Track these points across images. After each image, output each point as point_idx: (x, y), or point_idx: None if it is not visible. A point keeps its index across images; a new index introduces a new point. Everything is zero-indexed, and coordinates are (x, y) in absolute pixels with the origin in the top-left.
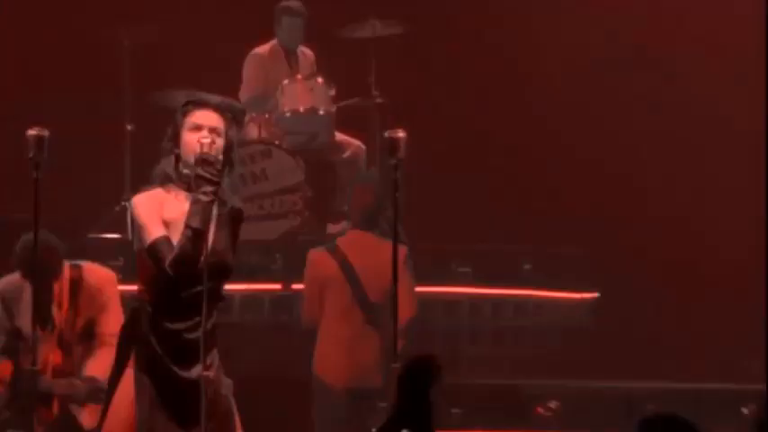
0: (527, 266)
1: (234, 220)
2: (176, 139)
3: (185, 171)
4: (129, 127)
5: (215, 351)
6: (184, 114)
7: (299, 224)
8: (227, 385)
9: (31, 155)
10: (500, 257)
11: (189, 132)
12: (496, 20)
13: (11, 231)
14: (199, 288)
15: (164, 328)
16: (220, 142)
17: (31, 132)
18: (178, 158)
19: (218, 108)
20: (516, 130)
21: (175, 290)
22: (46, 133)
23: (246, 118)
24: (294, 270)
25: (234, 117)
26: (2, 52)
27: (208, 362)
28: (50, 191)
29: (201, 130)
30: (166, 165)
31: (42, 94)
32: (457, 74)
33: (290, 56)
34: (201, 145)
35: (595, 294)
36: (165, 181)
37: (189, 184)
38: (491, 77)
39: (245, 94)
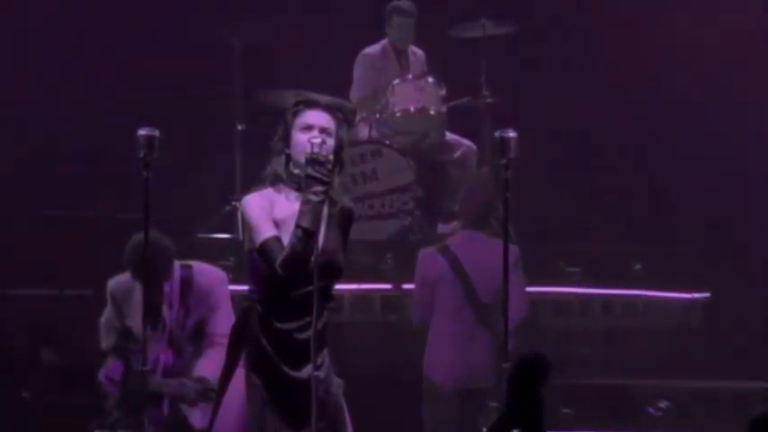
0: (637, 266)
1: (344, 219)
2: (287, 139)
3: (296, 171)
4: (239, 127)
5: (325, 351)
6: (295, 114)
7: (409, 224)
8: (337, 385)
9: (141, 155)
10: (610, 257)
11: (299, 132)
12: (605, 19)
13: (121, 231)
14: (309, 288)
15: (274, 328)
16: (331, 142)
17: (142, 132)
18: (289, 158)
19: (328, 108)
20: (626, 128)
21: (286, 290)
22: (156, 133)
23: (357, 118)
24: (404, 270)
25: (344, 117)
26: (113, 52)
27: (318, 362)
28: (161, 191)
29: (312, 130)
30: (277, 165)
31: (153, 93)
32: (566, 73)
33: (401, 56)
34: (312, 145)
35: (706, 294)
36: (275, 181)
37: (299, 184)
38: (600, 76)
39: (355, 93)
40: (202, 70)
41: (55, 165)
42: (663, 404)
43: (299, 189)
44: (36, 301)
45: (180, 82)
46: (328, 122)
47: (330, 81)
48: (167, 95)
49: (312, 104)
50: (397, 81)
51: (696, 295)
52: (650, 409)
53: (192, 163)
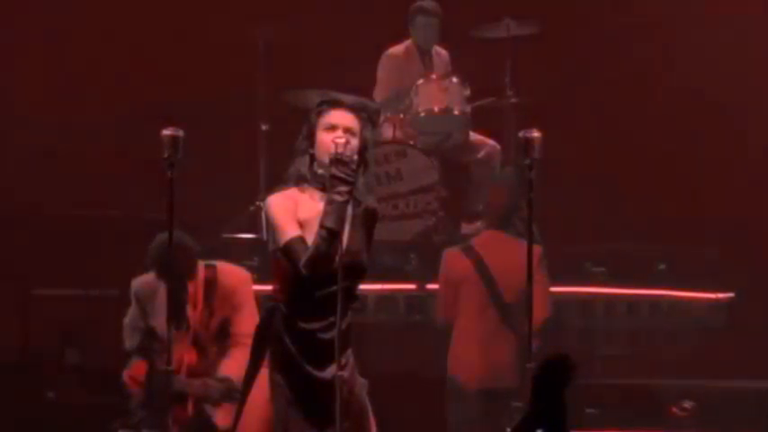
0: (662, 266)
1: (368, 219)
2: (311, 138)
3: (320, 171)
4: (263, 127)
5: (349, 351)
6: (319, 114)
7: (433, 224)
8: (361, 385)
9: (165, 155)
10: (634, 257)
11: (324, 132)
12: (630, 19)
13: (145, 231)
14: (333, 288)
15: (298, 327)
16: (355, 142)
17: (166, 132)
18: (313, 158)
19: (352, 108)
20: (649, 129)
21: (310, 290)
22: (180, 133)
23: (381, 118)
24: (428, 270)
25: (368, 117)
26: (138, 53)
27: (342, 362)
28: (185, 191)
29: (336, 130)
30: (301, 165)
31: (178, 93)
32: (591, 73)
33: (425, 56)
34: (336, 145)
35: (731, 294)
36: (299, 181)
37: (324, 184)
38: (624, 76)
39: (379, 94)
40: (227, 69)
41: (80, 164)
42: (687, 404)
43: (323, 189)
44: (62, 301)
45: (205, 81)
46: (352, 122)
47: (355, 81)
48: (192, 95)
49: (336, 104)
50: (421, 81)
51: (720, 295)
52: (675, 409)
53: (217, 163)
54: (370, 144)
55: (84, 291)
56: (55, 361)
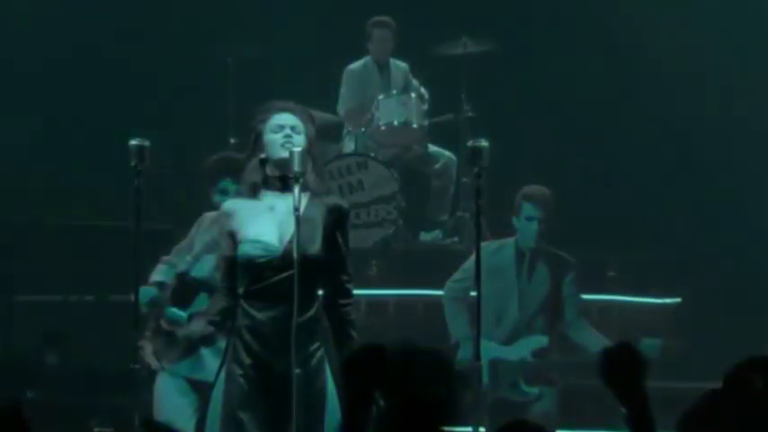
0: (611, 273)
1: (332, 216)
2: (258, 144)
3: (275, 173)
4: (232, 140)
5: (317, 345)
6: (263, 122)
7: (393, 232)
8: (329, 383)
9: (132, 164)
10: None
11: (272, 134)
12: (576, 37)
13: (117, 240)
14: (282, 275)
15: (253, 317)
16: (301, 138)
17: (133, 143)
18: (263, 162)
19: (292, 110)
20: (599, 137)
21: (260, 278)
22: (147, 143)
23: (344, 131)
24: (388, 275)
25: (307, 116)
26: (111, 68)
27: (303, 355)
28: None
29: (284, 129)
30: (252, 174)
31: (147, 104)
32: (542, 87)
33: (383, 69)
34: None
35: (677, 299)
36: (254, 190)
37: (277, 185)
38: (573, 89)
39: (342, 108)
40: (197, 84)
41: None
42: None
43: (278, 189)
44: (43, 307)
45: (174, 95)
46: (296, 122)
47: (319, 95)
48: (161, 107)
49: (278, 110)
50: (381, 96)
51: (668, 300)
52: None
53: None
54: (314, 138)
55: (63, 297)
56: (36, 362)
